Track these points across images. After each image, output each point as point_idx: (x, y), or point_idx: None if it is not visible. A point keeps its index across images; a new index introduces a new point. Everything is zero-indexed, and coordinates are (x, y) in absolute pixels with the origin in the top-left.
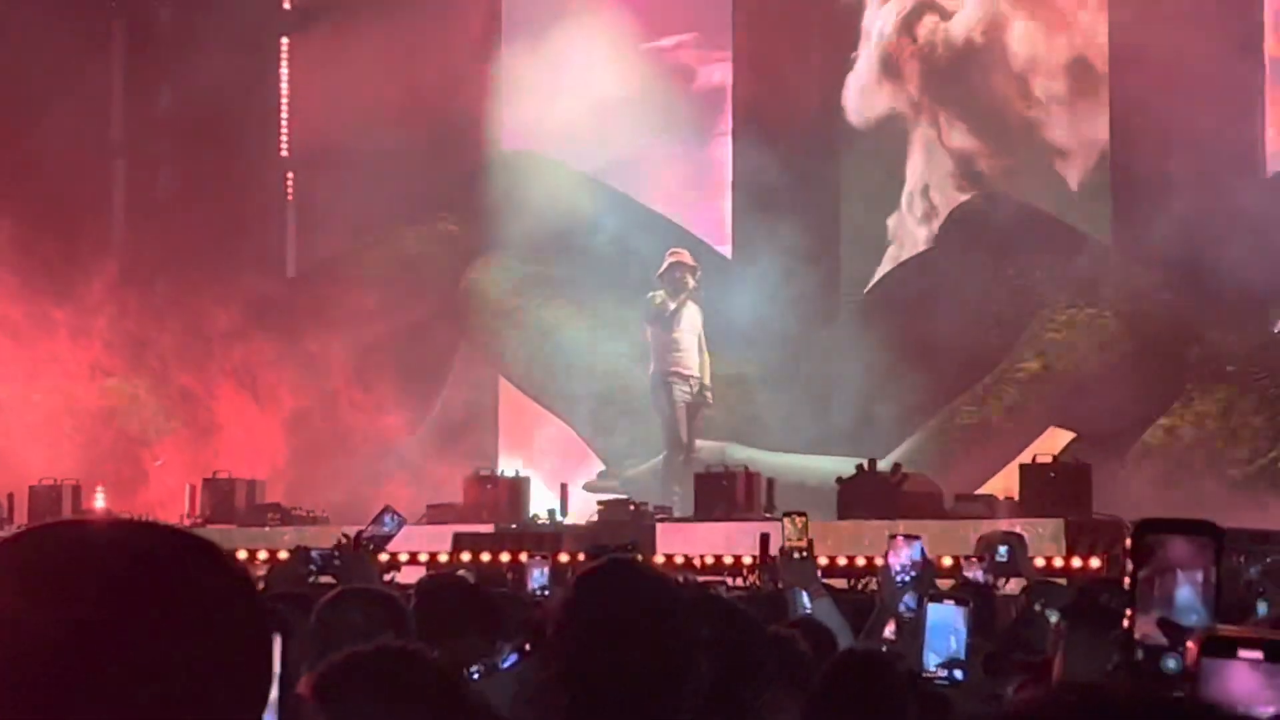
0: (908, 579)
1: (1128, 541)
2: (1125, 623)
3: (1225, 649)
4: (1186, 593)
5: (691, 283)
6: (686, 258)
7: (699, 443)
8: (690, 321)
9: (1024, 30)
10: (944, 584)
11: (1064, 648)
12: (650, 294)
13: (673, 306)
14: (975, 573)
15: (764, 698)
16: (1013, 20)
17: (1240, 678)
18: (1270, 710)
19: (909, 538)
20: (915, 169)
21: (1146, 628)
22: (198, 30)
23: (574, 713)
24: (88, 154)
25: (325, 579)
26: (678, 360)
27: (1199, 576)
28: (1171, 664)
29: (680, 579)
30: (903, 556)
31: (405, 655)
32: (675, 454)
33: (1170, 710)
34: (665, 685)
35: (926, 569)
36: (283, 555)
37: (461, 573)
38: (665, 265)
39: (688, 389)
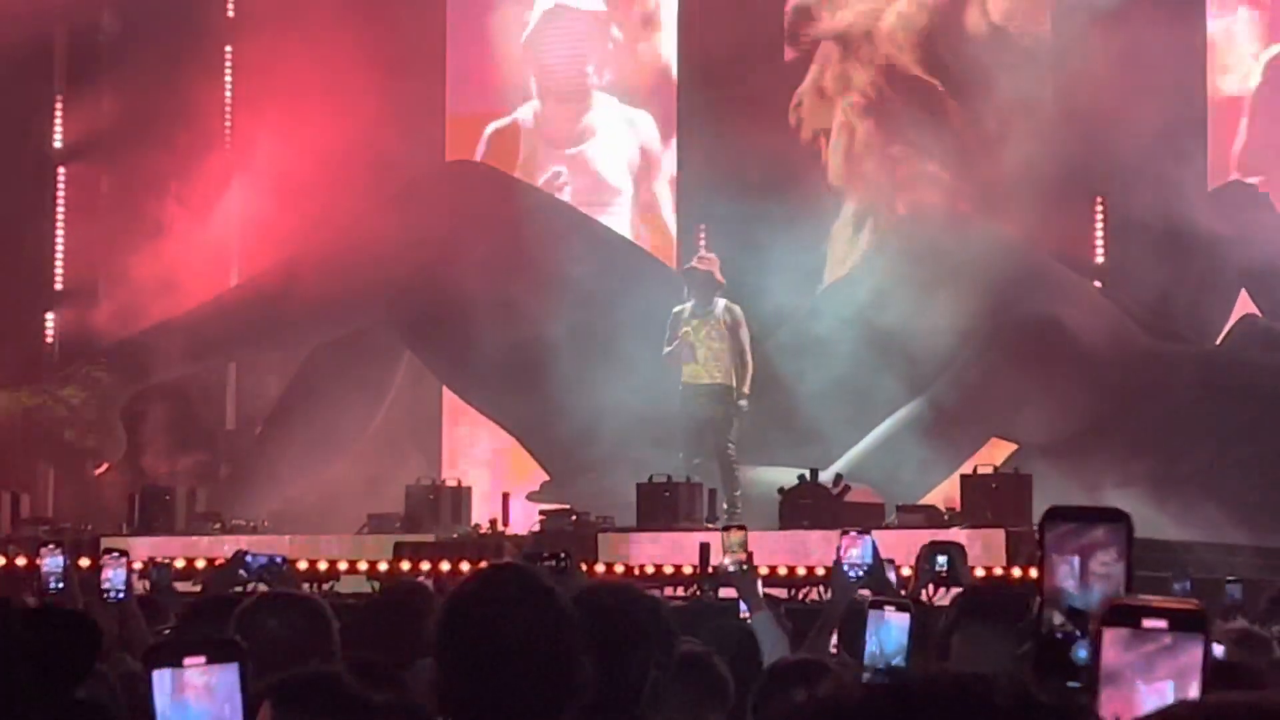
0: (859, 574)
1: (1037, 533)
2: (1035, 611)
3: (1128, 617)
4: (1096, 582)
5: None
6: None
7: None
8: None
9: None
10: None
11: (956, 642)
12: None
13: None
14: (892, 574)
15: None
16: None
17: (1143, 648)
18: (1172, 681)
19: (860, 533)
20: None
21: (1055, 618)
22: (140, 36)
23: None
24: (28, 161)
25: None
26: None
27: (1110, 565)
28: (1081, 653)
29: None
30: (853, 554)
31: (323, 679)
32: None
33: (961, 698)
34: (541, 696)
35: (878, 566)
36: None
37: (422, 580)
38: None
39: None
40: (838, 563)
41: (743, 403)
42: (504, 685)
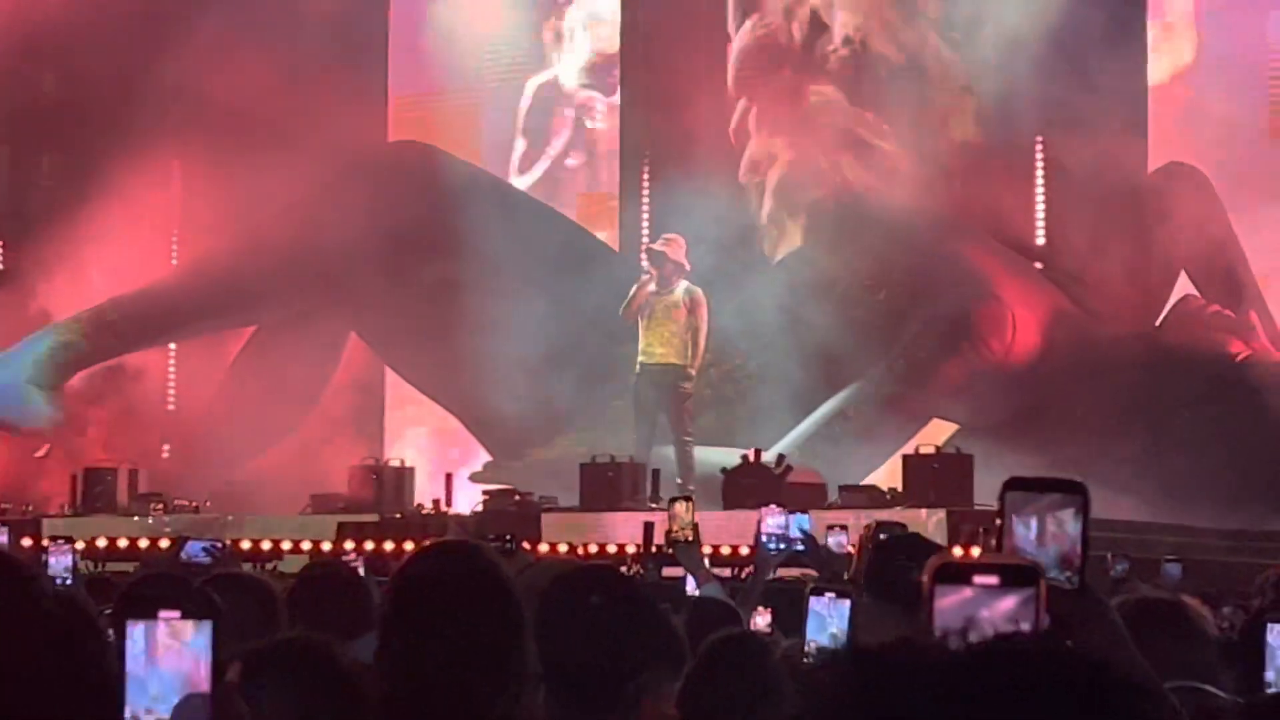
0: (781, 547)
1: (997, 501)
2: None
3: (959, 575)
4: (1052, 541)
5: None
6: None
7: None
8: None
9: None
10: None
11: (853, 618)
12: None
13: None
14: (839, 537)
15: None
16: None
17: (974, 604)
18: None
19: (780, 506)
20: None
21: None
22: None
23: (395, 700)
24: None
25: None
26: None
27: (1065, 527)
28: None
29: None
30: (770, 524)
31: (314, 647)
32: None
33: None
34: (486, 674)
35: (817, 547)
36: (163, 544)
37: (350, 559)
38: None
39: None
40: (758, 535)
41: (685, 384)
42: (449, 662)
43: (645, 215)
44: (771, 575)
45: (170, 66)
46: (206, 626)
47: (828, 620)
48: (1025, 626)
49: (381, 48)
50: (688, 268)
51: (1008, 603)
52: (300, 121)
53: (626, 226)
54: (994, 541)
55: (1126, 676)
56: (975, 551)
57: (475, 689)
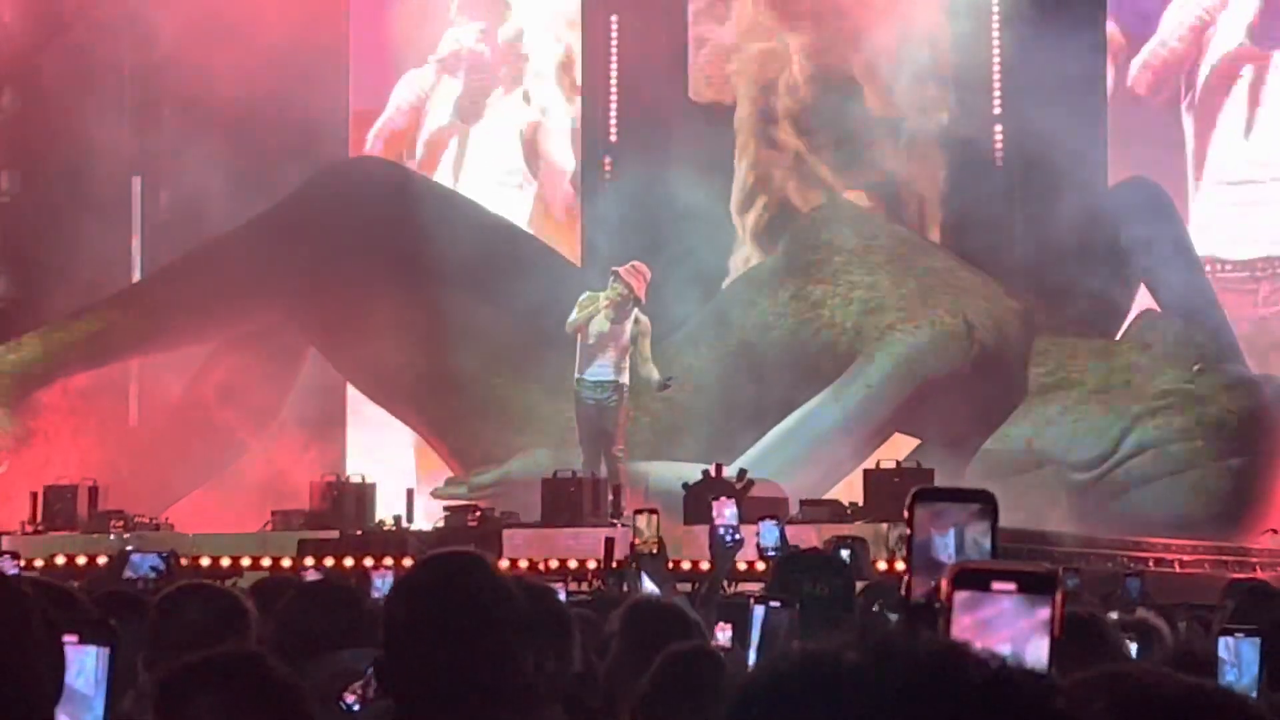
0: (734, 536)
1: (905, 512)
2: (903, 590)
3: (978, 582)
4: (973, 552)
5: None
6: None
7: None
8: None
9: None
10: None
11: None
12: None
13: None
14: (768, 523)
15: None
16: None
17: (991, 610)
18: (1020, 642)
19: (729, 498)
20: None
21: (922, 580)
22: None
23: (405, 709)
24: None
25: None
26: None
27: (982, 540)
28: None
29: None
30: (725, 514)
31: (248, 660)
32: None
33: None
34: (484, 674)
35: (785, 545)
36: (101, 560)
37: (310, 575)
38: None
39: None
40: (713, 529)
41: (624, 402)
42: (453, 668)
43: (603, 232)
44: (729, 566)
45: (131, 76)
46: (105, 652)
47: (776, 633)
48: (1044, 635)
49: (343, 63)
50: (644, 301)
51: (1025, 609)
52: (263, 135)
53: (586, 241)
54: (906, 553)
55: (1024, 672)
56: (899, 565)
57: (474, 693)
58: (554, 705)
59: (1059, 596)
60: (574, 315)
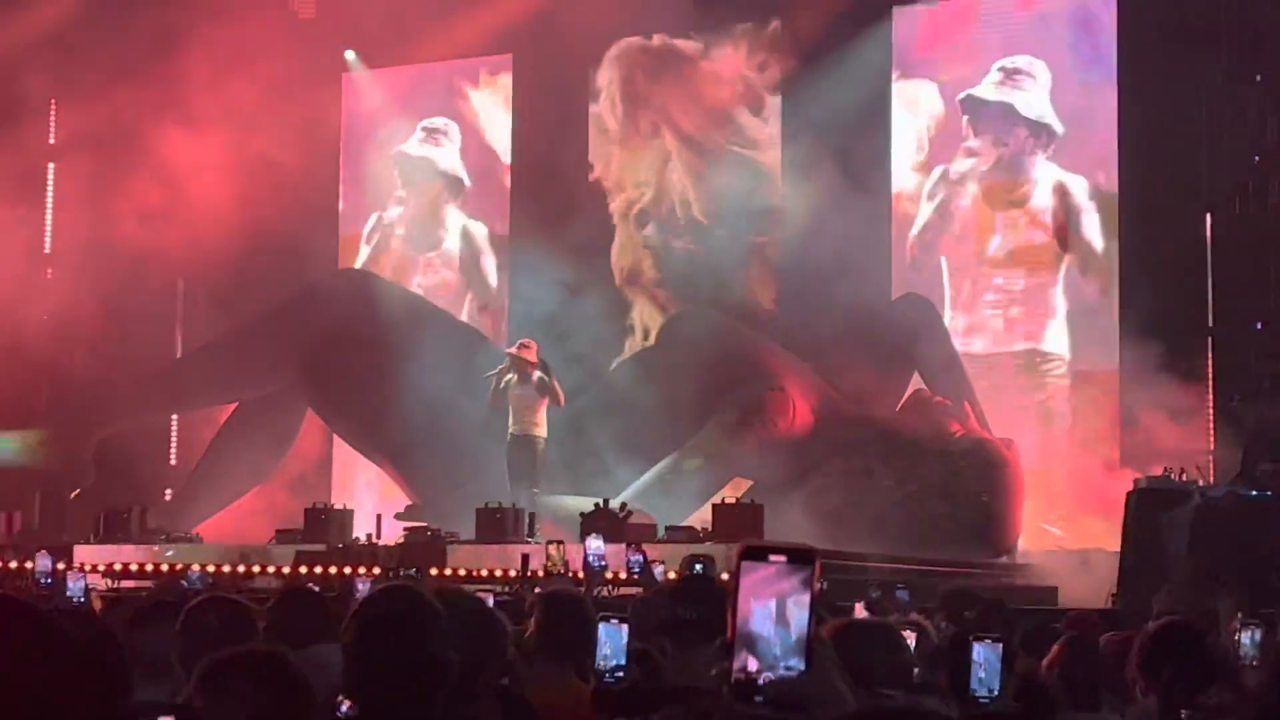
0: (601, 562)
1: (733, 562)
2: (728, 634)
3: (760, 555)
4: (792, 619)
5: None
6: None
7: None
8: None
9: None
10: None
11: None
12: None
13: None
14: (636, 555)
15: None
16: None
17: (768, 573)
18: (793, 597)
19: (597, 534)
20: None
21: (750, 661)
22: None
23: (361, 690)
24: None
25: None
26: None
27: (802, 605)
28: (759, 699)
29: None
30: (593, 548)
31: (270, 656)
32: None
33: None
34: (425, 682)
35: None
36: (164, 569)
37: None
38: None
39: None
40: (585, 557)
41: (540, 449)
42: (402, 675)
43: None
44: (599, 581)
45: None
46: None
47: (614, 642)
48: (807, 594)
49: (333, 186)
50: (537, 364)
51: (794, 576)
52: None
53: (511, 325)
54: (731, 615)
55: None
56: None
57: (418, 693)
58: (491, 702)
59: (817, 566)
60: (489, 392)
